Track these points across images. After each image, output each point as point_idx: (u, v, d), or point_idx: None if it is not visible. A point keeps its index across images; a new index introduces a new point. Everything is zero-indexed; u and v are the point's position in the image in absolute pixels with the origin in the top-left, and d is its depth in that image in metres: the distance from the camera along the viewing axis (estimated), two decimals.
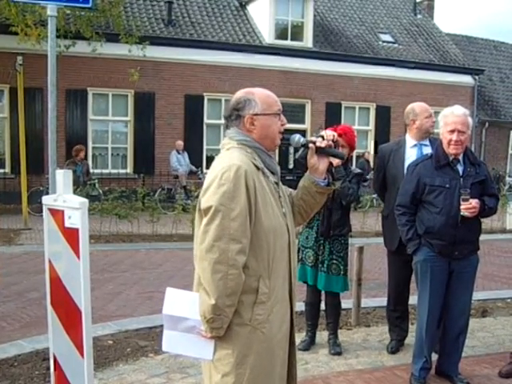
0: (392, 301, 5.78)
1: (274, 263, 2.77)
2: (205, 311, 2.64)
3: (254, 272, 2.71)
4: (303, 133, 20.99)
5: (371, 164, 20.84)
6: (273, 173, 2.90)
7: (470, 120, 4.65)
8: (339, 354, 5.52)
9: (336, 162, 4.98)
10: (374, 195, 18.82)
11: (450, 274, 4.69)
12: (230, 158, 2.73)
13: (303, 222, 3.23)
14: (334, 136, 3.04)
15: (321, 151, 2.96)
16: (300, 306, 5.83)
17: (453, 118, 4.59)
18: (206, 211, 2.65)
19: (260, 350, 2.74)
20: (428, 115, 5.52)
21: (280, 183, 2.99)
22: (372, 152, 22.28)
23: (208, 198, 2.66)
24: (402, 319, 5.77)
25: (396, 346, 5.66)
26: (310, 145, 2.96)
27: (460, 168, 4.63)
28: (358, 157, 21.04)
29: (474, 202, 4.47)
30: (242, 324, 2.71)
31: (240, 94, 2.90)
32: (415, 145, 5.51)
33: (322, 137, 2.99)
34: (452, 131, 4.54)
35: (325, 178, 3.02)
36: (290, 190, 3.14)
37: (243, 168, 2.66)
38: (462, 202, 4.47)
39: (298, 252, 5.56)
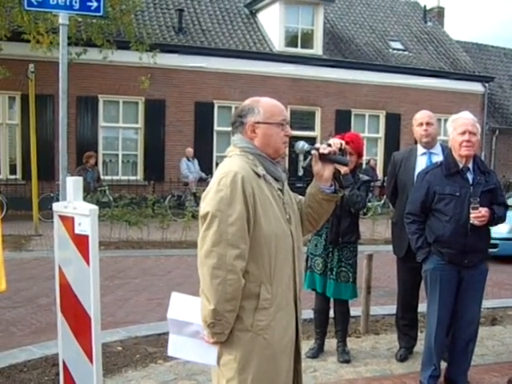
0: (401, 308, 5.77)
1: (276, 269, 2.77)
2: (205, 316, 2.67)
3: (254, 277, 2.72)
4: (313, 140, 20.99)
5: (377, 171, 20.84)
6: (277, 180, 2.91)
7: (478, 125, 4.66)
8: (348, 361, 5.51)
9: (344, 169, 4.99)
10: (379, 203, 18.88)
11: (459, 283, 4.67)
12: (228, 165, 2.78)
13: (313, 229, 3.21)
14: (341, 144, 3.03)
15: (325, 158, 2.95)
16: (309, 314, 5.84)
17: (462, 121, 4.61)
18: (204, 217, 2.69)
19: (262, 357, 2.74)
20: (418, 124, 5.53)
21: (287, 189, 3.00)
22: (382, 159, 22.32)
23: (206, 204, 2.71)
24: (411, 327, 5.76)
25: (405, 354, 5.64)
26: (313, 151, 2.95)
27: (470, 176, 4.61)
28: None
29: (484, 211, 4.46)
30: (244, 330, 2.72)
31: (247, 101, 2.94)
32: (424, 153, 5.52)
33: (329, 145, 2.99)
34: (463, 133, 4.54)
35: (331, 185, 3.01)
36: (300, 197, 3.14)
37: (240, 174, 2.69)
38: (471, 211, 4.47)
39: (307, 260, 5.57)
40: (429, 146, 5.51)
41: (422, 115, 5.55)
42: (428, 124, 5.48)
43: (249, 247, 2.70)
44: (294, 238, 2.88)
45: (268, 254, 2.75)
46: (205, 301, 2.66)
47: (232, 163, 2.79)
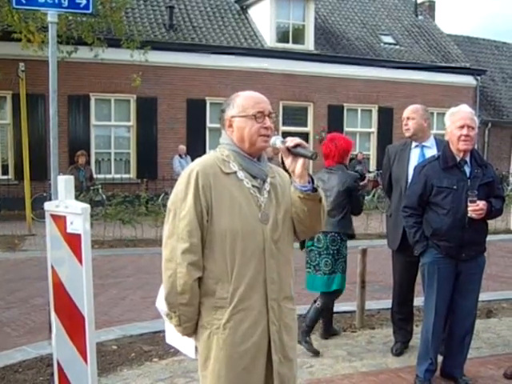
0: (396, 302, 5.76)
1: (237, 268, 2.69)
2: (165, 306, 2.74)
3: (212, 274, 2.71)
4: (305, 136, 21.01)
5: (365, 165, 20.86)
6: (255, 177, 2.81)
7: (476, 119, 4.66)
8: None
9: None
10: (368, 197, 18.94)
11: (456, 276, 4.68)
12: (194, 162, 2.82)
13: (307, 230, 2.97)
14: (301, 143, 2.80)
15: (292, 152, 2.77)
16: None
17: (461, 114, 4.60)
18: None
19: (219, 357, 2.70)
20: (402, 118, 5.56)
21: (278, 186, 2.87)
22: (375, 153, 22.38)
23: (169, 199, 2.80)
24: (407, 321, 5.75)
25: (400, 348, 5.64)
26: (279, 145, 2.81)
27: (467, 169, 4.62)
28: (351, 159, 20.79)
29: (482, 204, 4.46)
30: (203, 326, 2.74)
31: (229, 97, 2.92)
32: (417, 146, 5.52)
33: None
34: (462, 127, 4.53)
35: (309, 182, 2.80)
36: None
37: (195, 170, 2.71)
38: (469, 204, 4.46)
39: (310, 261, 5.63)
40: (414, 139, 5.51)
41: (406, 110, 5.59)
42: (409, 119, 5.48)
43: (207, 243, 2.70)
44: (265, 237, 2.75)
45: (225, 251, 2.69)
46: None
47: (198, 159, 2.83)
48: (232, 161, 2.79)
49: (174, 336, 2.97)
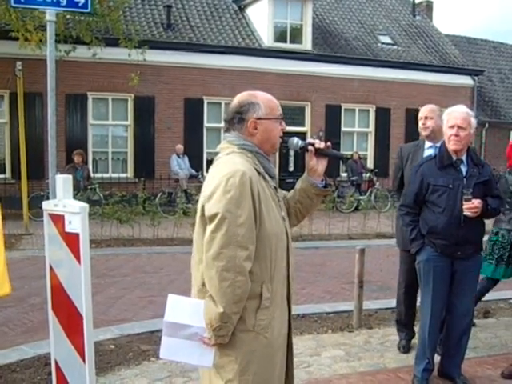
0: (402, 300, 5.76)
1: (275, 268, 2.77)
2: (211, 319, 2.61)
3: (257, 277, 2.69)
4: (303, 135, 20.99)
5: (361, 164, 20.84)
6: (271, 177, 2.89)
7: (472, 120, 4.66)
8: None
9: None
10: (363, 197, 18.94)
11: (453, 275, 4.69)
12: (233, 164, 2.70)
13: (298, 223, 3.20)
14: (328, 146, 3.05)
15: (320, 153, 2.98)
16: (303, 309, 5.81)
17: (454, 114, 4.64)
18: (211, 218, 2.61)
19: (263, 356, 2.74)
20: (419, 118, 5.56)
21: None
22: (372, 153, 22.41)
23: (213, 204, 2.62)
24: (411, 318, 5.78)
25: (407, 346, 5.66)
26: (309, 147, 2.97)
27: (463, 168, 4.64)
28: (347, 159, 20.88)
29: (477, 202, 4.48)
30: (246, 330, 2.70)
31: (243, 96, 2.87)
32: (431, 146, 5.51)
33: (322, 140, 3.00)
34: (452, 127, 4.58)
35: (322, 180, 3.05)
36: (284, 192, 3.15)
37: (248, 174, 2.65)
38: (464, 202, 4.49)
39: (494, 252, 6.07)
40: (430, 139, 5.50)
41: (422, 109, 5.61)
42: (427, 118, 5.50)
43: (255, 248, 2.67)
44: (288, 235, 2.89)
45: (269, 253, 2.74)
46: (211, 304, 2.61)
47: (235, 162, 2.73)
48: (257, 162, 2.82)
49: (180, 350, 2.86)
